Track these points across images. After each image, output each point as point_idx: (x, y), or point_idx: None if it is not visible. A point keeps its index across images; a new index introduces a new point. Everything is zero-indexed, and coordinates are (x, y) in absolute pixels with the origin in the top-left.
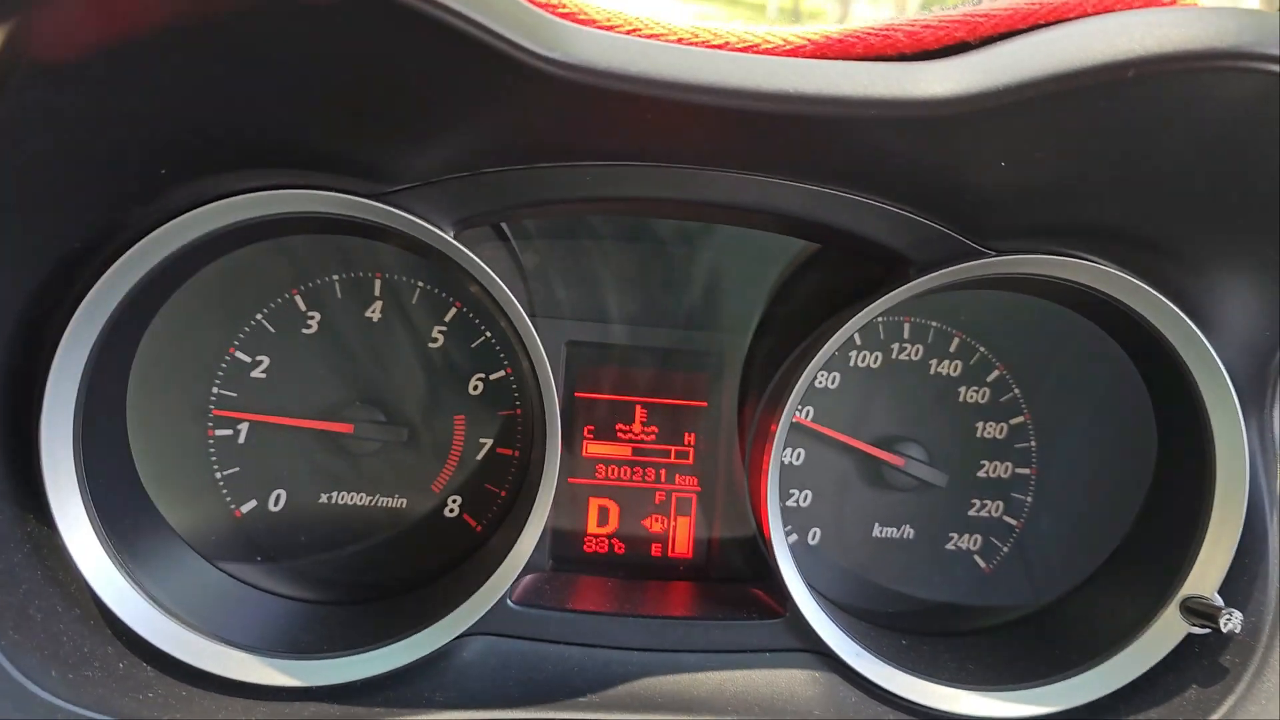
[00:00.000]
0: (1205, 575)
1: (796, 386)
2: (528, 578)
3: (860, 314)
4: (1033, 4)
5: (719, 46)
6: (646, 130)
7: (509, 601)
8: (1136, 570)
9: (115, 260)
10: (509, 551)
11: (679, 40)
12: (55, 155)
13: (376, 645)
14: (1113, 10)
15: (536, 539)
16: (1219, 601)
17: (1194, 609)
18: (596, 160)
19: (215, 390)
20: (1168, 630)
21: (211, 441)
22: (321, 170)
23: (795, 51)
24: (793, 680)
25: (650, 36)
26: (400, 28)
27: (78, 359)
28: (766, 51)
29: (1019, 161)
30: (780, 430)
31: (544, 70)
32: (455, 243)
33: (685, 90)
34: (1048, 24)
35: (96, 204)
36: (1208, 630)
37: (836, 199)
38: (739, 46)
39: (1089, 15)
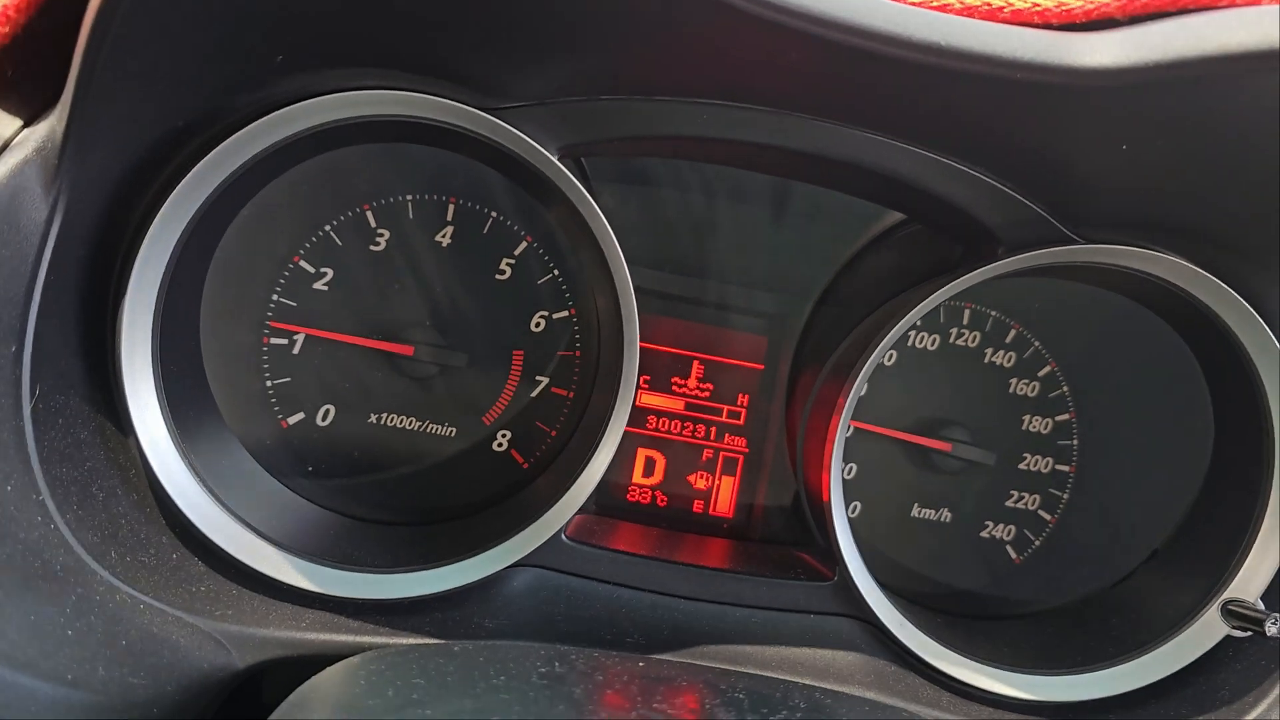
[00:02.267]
0: (1251, 580)
1: (871, 358)
2: (578, 517)
3: (943, 289)
4: None
5: None
6: (780, 71)
7: (563, 536)
8: (1179, 570)
9: (218, 144)
10: (565, 489)
11: None
12: (178, 27)
13: (428, 566)
14: (1261, 2)
15: (598, 479)
16: (1262, 606)
17: (1236, 612)
18: (717, 100)
19: (275, 298)
20: (1207, 631)
21: (265, 349)
22: (435, 78)
23: (943, 8)
24: (835, 644)
25: None
26: None
27: (167, 242)
28: (916, 4)
29: (1141, 146)
30: (849, 402)
31: None
32: (560, 165)
33: (846, 31)
34: (1195, 9)
35: (209, 83)
36: (1249, 634)
37: (943, 165)
38: None
39: (1238, 5)
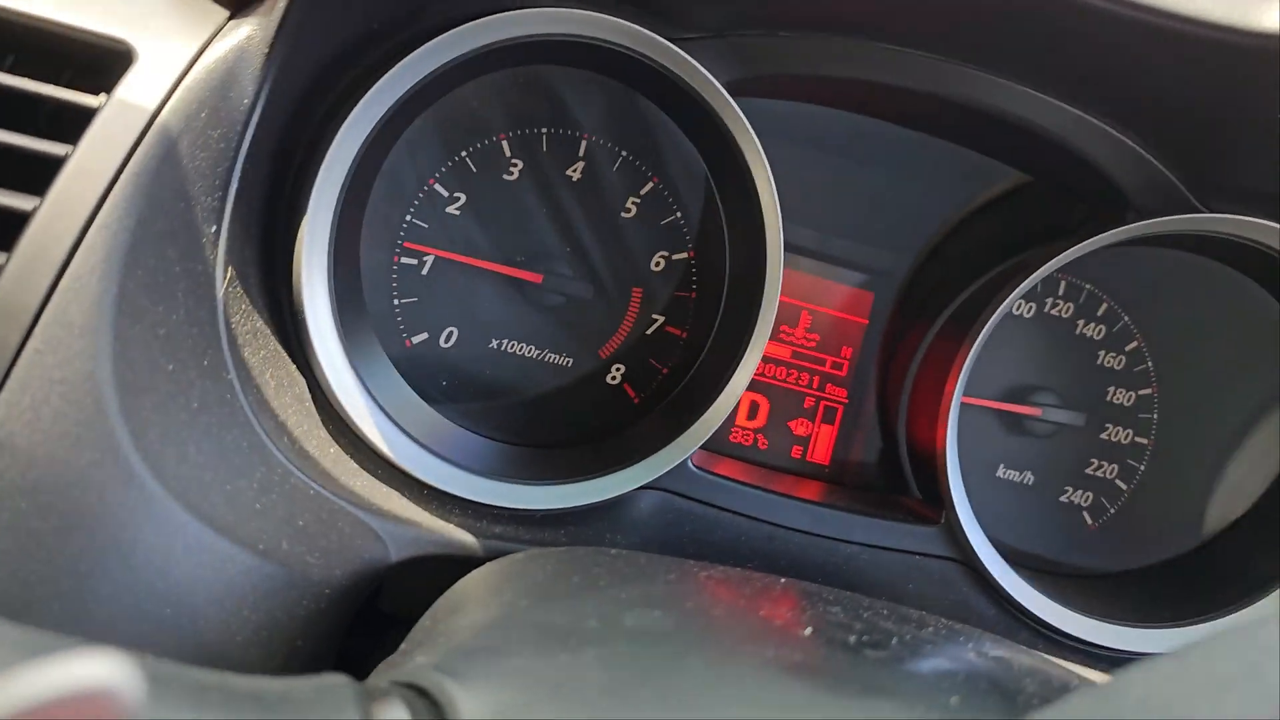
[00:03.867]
0: None
1: (993, 317)
2: (698, 450)
3: (1070, 250)
4: None
5: None
6: (948, 15)
7: (690, 464)
8: (1263, 539)
9: (412, 50)
10: (687, 421)
11: None
12: None
13: (563, 481)
14: None
15: (729, 410)
16: None
17: None
18: (889, 44)
19: (408, 219)
20: None
21: (395, 268)
22: (617, 2)
23: None
24: (939, 585)
25: None
26: None
27: (352, 146)
28: None
29: None
30: (969, 360)
31: None
32: (730, 100)
33: None
34: None
35: None
36: None
37: (1089, 124)
38: None
39: None
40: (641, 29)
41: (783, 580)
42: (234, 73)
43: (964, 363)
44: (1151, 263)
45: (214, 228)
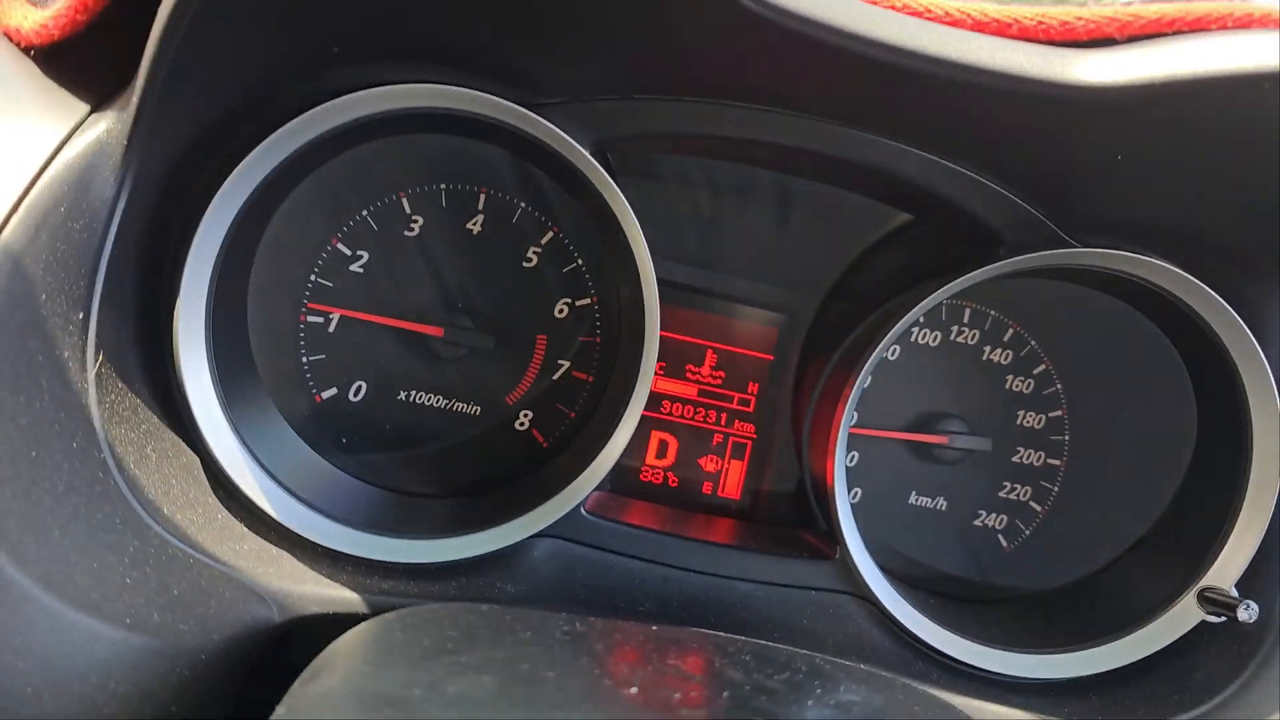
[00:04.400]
0: (1227, 569)
1: (875, 352)
2: (595, 494)
3: (946, 287)
4: (1179, 11)
5: (889, 7)
6: (801, 77)
7: (583, 510)
8: (1161, 559)
9: (275, 130)
10: (585, 467)
11: None
12: (248, 18)
13: (455, 534)
14: (1250, 27)
15: (616, 457)
16: (1236, 594)
17: (1212, 599)
18: (741, 103)
19: (313, 278)
20: (1184, 616)
21: (303, 327)
22: (480, 74)
23: (956, 23)
24: (834, 619)
25: None
26: None
27: (223, 221)
28: (932, 19)
29: (1136, 157)
30: (854, 392)
31: (738, 3)
32: (592, 160)
33: (860, 44)
34: (1190, 31)
35: (270, 72)
36: (1223, 619)
37: (951, 170)
38: (906, 11)
39: (1229, 29)
40: (500, 99)
41: (639, 633)
42: (93, 166)
43: (850, 396)
44: (1050, 291)
45: (81, 314)
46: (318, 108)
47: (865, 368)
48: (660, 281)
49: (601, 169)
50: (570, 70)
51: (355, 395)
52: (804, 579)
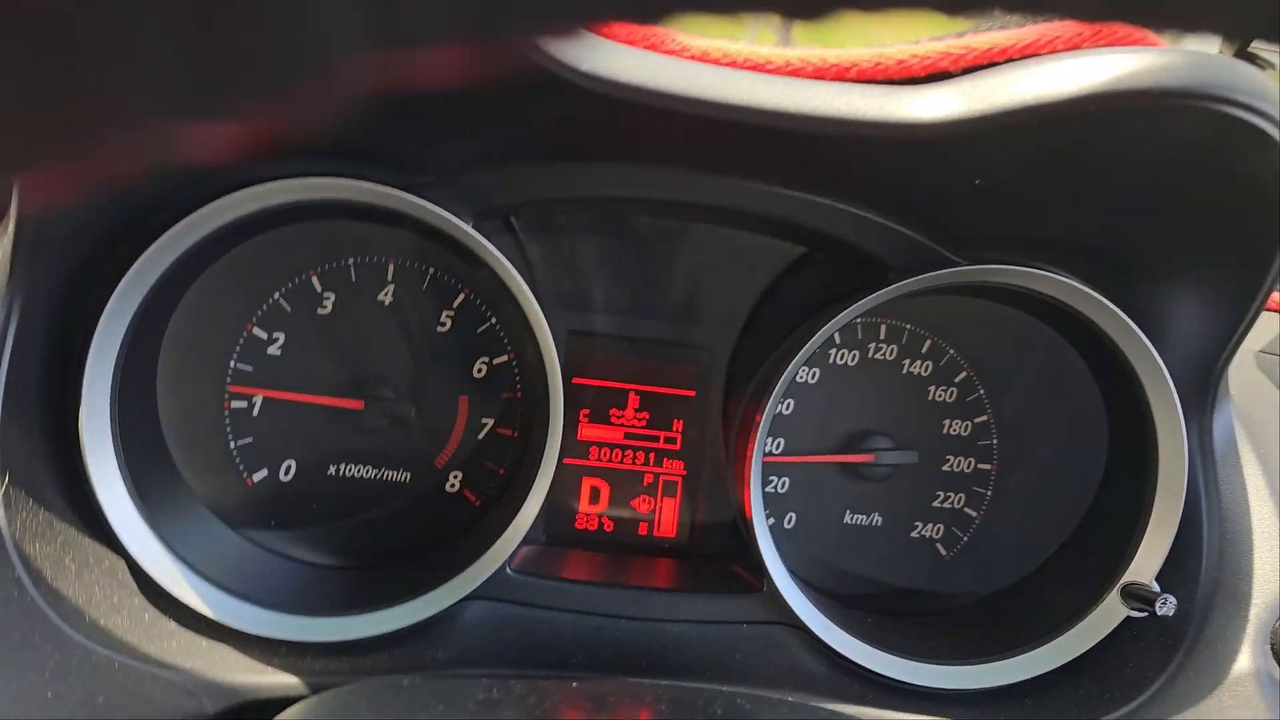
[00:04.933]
0: (1145, 564)
1: (780, 380)
2: (525, 549)
3: (840, 315)
4: (1009, 39)
5: (729, 64)
6: (657, 137)
7: (508, 569)
8: (1083, 559)
9: (161, 234)
10: (509, 524)
11: (693, 58)
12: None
13: (383, 606)
14: (1080, 49)
15: (535, 513)
16: (1156, 588)
17: (1134, 594)
18: (608, 163)
19: (233, 364)
20: (1109, 613)
21: (227, 413)
22: (358, 161)
23: (797, 72)
24: (768, 651)
25: (669, 53)
26: None
27: (119, 325)
28: (772, 71)
29: (992, 180)
30: (764, 421)
31: (572, 81)
32: (474, 233)
33: (699, 106)
34: (1021, 58)
35: (152, 178)
36: (1145, 614)
37: (826, 207)
38: (747, 65)
39: (1059, 52)
40: (375, 185)
41: (556, 693)
42: None
43: (760, 424)
44: (960, 303)
45: None
46: (193, 215)
47: (772, 397)
48: (574, 332)
49: (484, 240)
50: (441, 148)
51: (286, 474)
52: (735, 614)
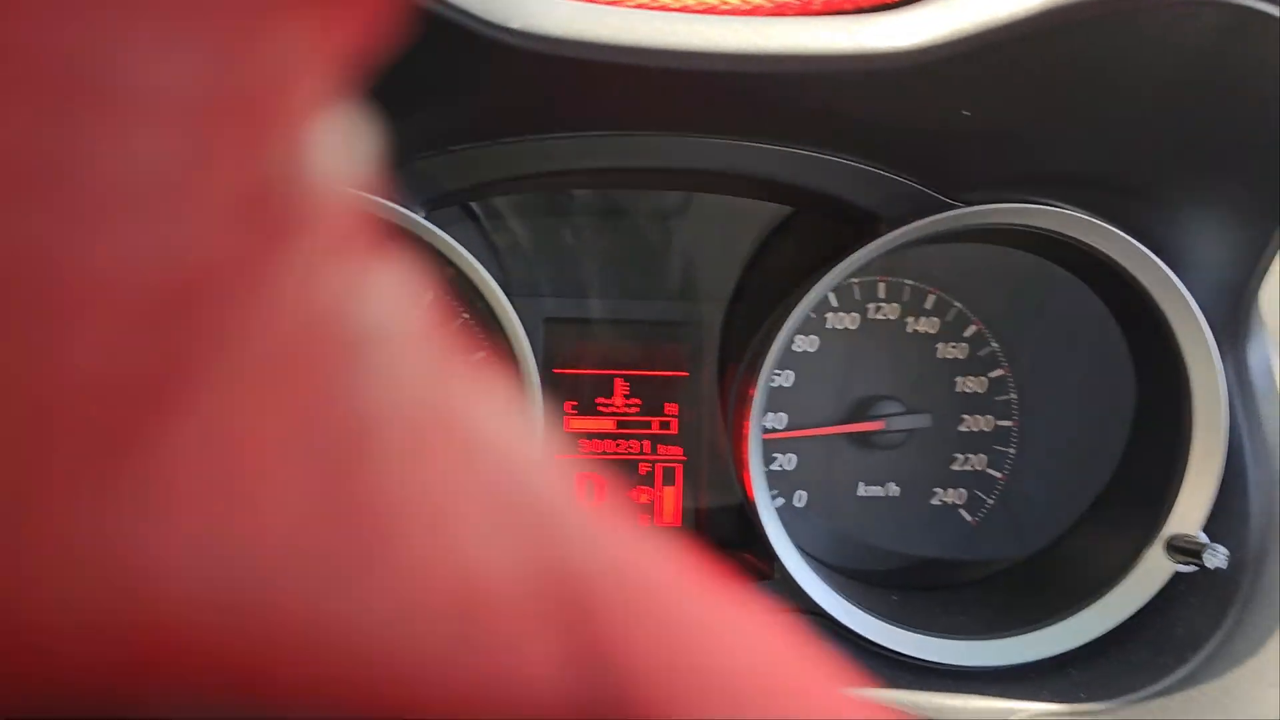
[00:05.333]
0: (1189, 514)
1: (772, 351)
2: None
3: (832, 273)
4: None
5: (680, 9)
6: (612, 98)
7: None
8: (1121, 513)
9: None
10: None
11: (639, 5)
12: None
13: None
14: None
15: None
16: (1204, 538)
17: (1180, 547)
18: (564, 133)
19: None
20: (1155, 570)
21: None
22: None
23: (754, 11)
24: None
25: (609, 2)
26: None
27: None
28: (726, 12)
29: (983, 109)
30: (759, 395)
31: (504, 42)
32: (427, 224)
33: (647, 56)
34: None
35: None
36: (1194, 567)
37: (805, 159)
38: (699, 9)
39: None
40: None
41: None
42: None
43: (754, 399)
44: (960, 251)
45: None
46: None
47: (764, 369)
48: (550, 320)
49: (438, 231)
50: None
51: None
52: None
